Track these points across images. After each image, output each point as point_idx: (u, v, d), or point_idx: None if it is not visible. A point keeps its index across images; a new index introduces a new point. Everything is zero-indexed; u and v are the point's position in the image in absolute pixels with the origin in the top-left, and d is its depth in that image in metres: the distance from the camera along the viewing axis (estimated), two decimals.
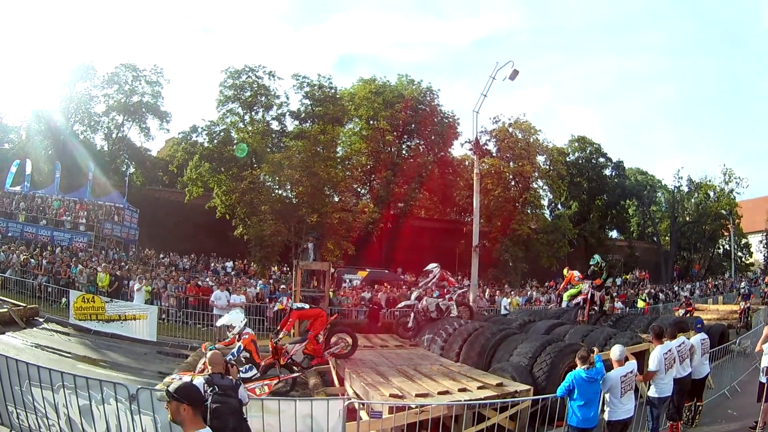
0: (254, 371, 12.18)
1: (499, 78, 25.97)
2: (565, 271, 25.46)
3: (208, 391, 7.09)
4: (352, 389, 12.07)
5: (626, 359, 9.49)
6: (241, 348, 12.27)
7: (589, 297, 19.40)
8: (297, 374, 13.69)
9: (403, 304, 19.81)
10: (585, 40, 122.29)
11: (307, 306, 15.60)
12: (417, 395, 10.44)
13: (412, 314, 18.73)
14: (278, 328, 14.93)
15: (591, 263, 20.19)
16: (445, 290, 19.40)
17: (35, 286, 25.26)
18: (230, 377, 7.51)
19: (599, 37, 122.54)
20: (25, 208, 37.97)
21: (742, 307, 26.36)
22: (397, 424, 9.48)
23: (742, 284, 34.98)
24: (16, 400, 9.03)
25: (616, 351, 9.43)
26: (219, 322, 13.99)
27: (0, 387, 9.07)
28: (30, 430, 9.06)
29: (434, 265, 19.65)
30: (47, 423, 8.94)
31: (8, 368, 9.04)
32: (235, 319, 13.13)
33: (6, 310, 20.55)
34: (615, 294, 37.18)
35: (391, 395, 10.34)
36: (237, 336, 12.90)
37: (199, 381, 7.24)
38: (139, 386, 8.81)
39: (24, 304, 22.12)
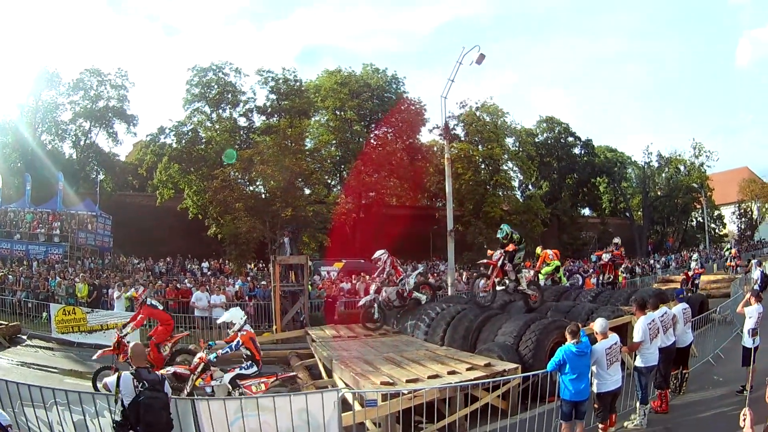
0: (255, 368, 11.98)
1: (465, 63, 25.84)
2: (538, 250, 25.64)
3: (138, 387, 7.08)
4: (342, 380, 12.05)
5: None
6: (240, 343, 12.07)
7: (499, 265, 16.85)
8: (294, 373, 13.57)
9: (364, 300, 19.23)
10: (550, 24, 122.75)
11: (161, 307, 15.56)
12: (407, 381, 10.48)
13: (376, 306, 18.40)
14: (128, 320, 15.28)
15: (499, 236, 17.67)
16: (393, 277, 18.93)
17: (15, 302, 24.94)
18: (158, 372, 7.45)
19: (564, 20, 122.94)
20: None
21: (690, 274, 27.10)
22: (390, 412, 9.50)
23: (694, 256, 35.45)
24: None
25: (599, 324, 9.64)
26: (220, 320, 13.77)
27: None
28: None
29: (381, 252, 19.28)
30: None
31: None
32: (236, 315, 12.80)
33: None
34: (591, 270, 37.59)
35: (382, 383, 10.35)
36: (236, 333, 12.63)
37: (127, 376, 7.21)
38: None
39: (6, 323, 21.82)
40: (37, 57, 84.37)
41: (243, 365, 11.95)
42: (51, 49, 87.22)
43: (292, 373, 13.36)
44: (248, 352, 12.09)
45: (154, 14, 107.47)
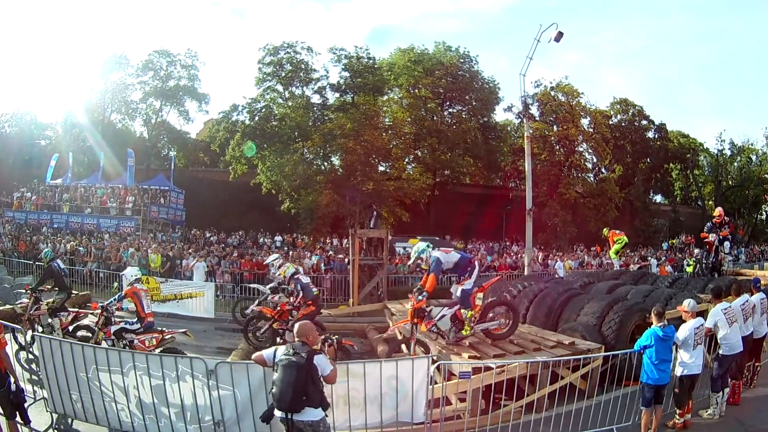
0: (138, 324, 12.36)
1: (543, 40, 25.86)
2: (605, 231, 25.74)
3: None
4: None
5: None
6: (122, 295, 12.67)
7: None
8: (184, 330, 13.58)
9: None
10: (617, 2, 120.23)
11: None
12: (495, 356, 10.60)
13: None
14: None
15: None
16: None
17: (85, 273, 25.22)
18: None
19: None
20: (69, 199, 38.42)
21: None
22: (477, 385, 9.59)
23: None
24: (81, 387, 8.86)
25: (689, 303, 9.86)
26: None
27: (64, 375, 8.90)
28: (96, 416, 8.92)
29: (275, 256, 17.96)
30: (116, 408, 8.82)
31: (73, 354, 8.85)
32: (128, 273, 13.59)
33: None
34: (663, 258, 37.02)
35: (470, 357, 10.46)
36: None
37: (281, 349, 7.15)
38: (218, 361, 8.77)
39: (76, 292, 22.03)
40: (104, 42, 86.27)
41: (129, 321, 12.47)
42: (118, 34, 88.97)
43: (181, 330, 13.47)
44: (132, 306, 12.63)
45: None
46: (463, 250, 13.49)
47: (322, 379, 6.97)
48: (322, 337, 7.51)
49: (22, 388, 8.60)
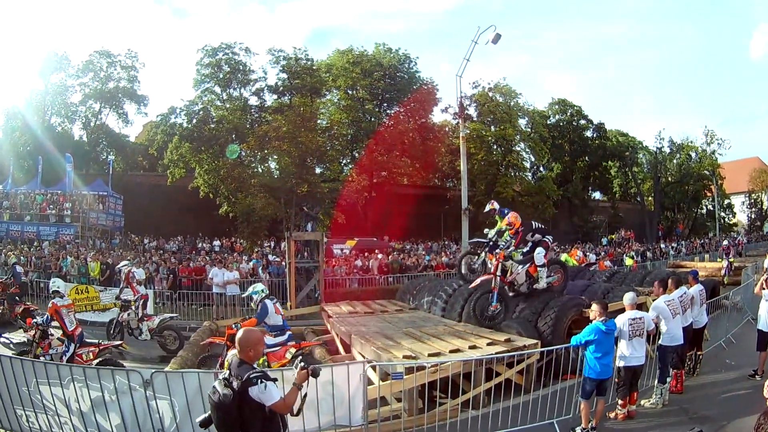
0: (70, 344, 12.00)
1: (481, 42, 26.03)
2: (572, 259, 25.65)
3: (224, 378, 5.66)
4: (362, 355, 12.05)
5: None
6: (49, 318, 12.11)
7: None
8: (120, 342, 13.52)
9: None
10: (561, 7, 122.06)
11: None
12: (430, 355, 10.52)
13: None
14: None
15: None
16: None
17: (26, 283, 24.88)
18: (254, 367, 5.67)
19: (575, 2, 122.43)
20: (9, 207, 37.63)
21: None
22: (412, 385, 9.58)
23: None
24: (24, 401, 8.77)
25: (629, 296, 9.88)
26: None
27: (7, 391, 8.79)
28: (41, 430, 8.81)
29: (124, 262, 18.25)
30: (59, 421, 8.72)
31: (13, 369, 8.75)
32: (53, 284, 13.36)
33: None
34: (602, 253, 37.67)
35: (404, 356, 10.36)
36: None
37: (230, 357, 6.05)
38: (153, 370, 8.69)
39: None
40: (45, 41, 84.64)
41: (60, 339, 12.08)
42: (59, 33, 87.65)
43: (116, 342, 13.36)
44: (57, 325, 12.15)
45: None
46: (283, 319, 12.87)
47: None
48: (297, 357, 6.98)
49: None
